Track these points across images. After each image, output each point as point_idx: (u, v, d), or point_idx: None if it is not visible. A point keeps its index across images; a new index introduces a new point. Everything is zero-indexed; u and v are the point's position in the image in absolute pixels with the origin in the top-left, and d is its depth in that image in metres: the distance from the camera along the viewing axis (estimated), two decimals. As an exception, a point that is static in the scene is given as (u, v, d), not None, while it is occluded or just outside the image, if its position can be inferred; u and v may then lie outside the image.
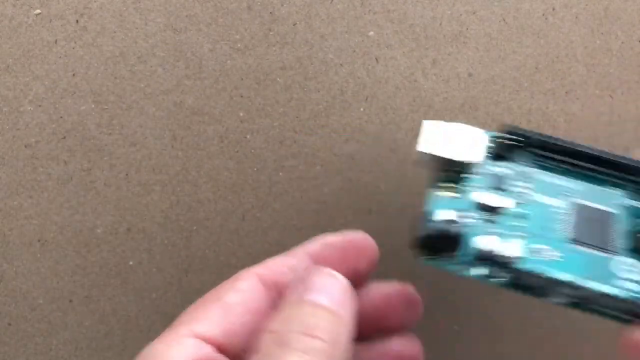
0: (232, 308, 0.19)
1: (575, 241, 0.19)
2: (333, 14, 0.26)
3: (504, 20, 0.27)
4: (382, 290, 0.22)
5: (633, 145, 0.28)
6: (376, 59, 0.27)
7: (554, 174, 0.21)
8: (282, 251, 0.28)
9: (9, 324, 0.27)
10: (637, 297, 0.18)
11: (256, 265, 0.20)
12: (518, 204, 0.20)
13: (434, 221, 0.19)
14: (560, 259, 0.19)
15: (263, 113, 0.26)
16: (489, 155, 0.21)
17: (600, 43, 0.27)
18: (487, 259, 0.18)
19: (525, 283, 0.18)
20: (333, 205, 0.27)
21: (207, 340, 0.18)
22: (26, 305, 0.27)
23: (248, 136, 0.27)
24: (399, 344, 0.22)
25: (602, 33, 0.27)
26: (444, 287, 0.28)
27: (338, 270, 0.20)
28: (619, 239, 0.19)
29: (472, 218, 0.19)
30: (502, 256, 0.18)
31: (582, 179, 0.21)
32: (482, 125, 0.26)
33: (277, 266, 0.20)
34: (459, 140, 0.21)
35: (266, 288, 0.20)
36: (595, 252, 0.19)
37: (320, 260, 0.21)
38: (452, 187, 0.20)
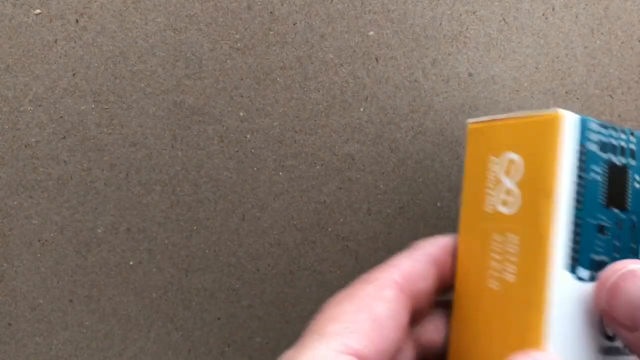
0: (384, 323, 0.18)
1: None
2: (333, 14, 0.26)
3: (504, 20, 0.27)
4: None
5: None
6: (376, 59, 0.27)
7: None
8: (282, 251, 0.28)
9: (9, 324, 0.27)
10: None
11: (389, 267, 0.20)
12: None
13: None
14: None
15: (263, 113, 0.26)
16: None
17: (600, 43, 0.27)
18: None
19: None
20: (333, 205, 0.27)
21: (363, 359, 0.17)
22: (26, 305, 0.27)
23: (248, 136, 0.27)
24: None
25: (602, 33, 0.27)
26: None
27: (450, 273, 0.21)
28: None
29: None
30: None
31: None
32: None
33: (410, 274, 0.20)
34: None
35: (406, 298, 0.19)
36: None
37: (442, 265, 0.21)
38: None
